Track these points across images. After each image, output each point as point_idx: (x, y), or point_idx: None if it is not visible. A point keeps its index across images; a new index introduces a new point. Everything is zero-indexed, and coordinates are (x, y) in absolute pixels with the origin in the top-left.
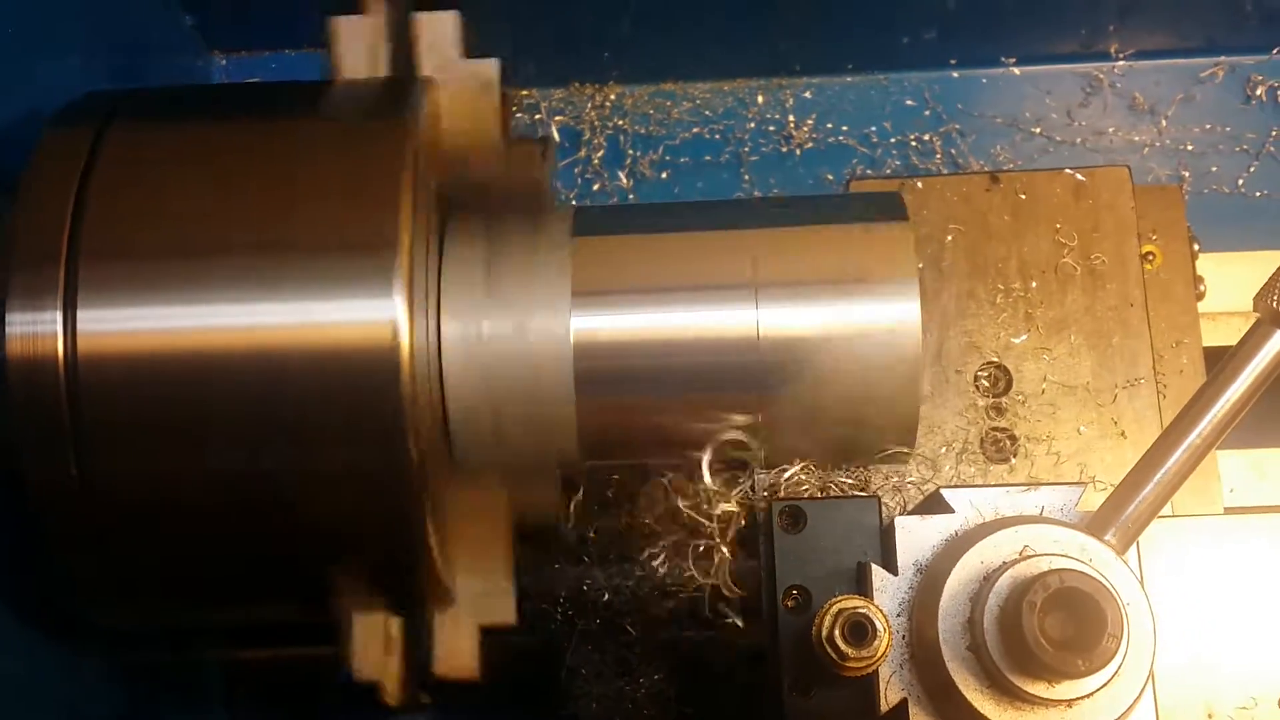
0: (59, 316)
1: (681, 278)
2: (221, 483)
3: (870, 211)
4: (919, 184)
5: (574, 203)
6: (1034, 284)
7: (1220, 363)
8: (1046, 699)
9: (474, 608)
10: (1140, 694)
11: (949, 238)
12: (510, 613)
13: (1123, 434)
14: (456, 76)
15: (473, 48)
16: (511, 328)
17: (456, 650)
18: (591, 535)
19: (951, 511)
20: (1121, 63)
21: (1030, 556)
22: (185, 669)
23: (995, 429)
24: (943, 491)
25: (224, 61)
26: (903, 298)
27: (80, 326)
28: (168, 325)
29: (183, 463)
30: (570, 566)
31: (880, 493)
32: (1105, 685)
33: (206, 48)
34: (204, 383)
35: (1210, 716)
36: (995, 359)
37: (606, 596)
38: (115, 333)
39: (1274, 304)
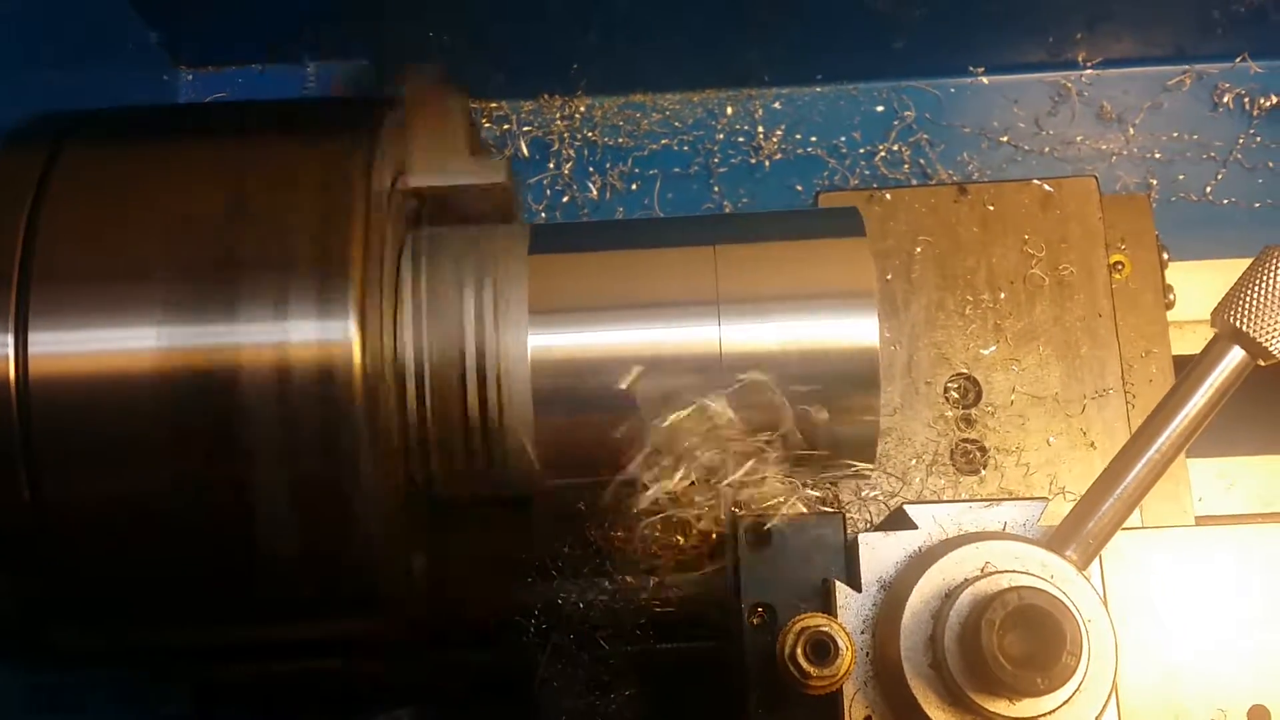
0: (10, 340)
1: (642, 295)
2: (176, 505)
3: (829, 227)
4: (888, 195)
5: (542, 215)
6: (1003, 295)
7: (1179, 378)
8: (1008, 716)
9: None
10: (1103, 710)
11: (918, 249)
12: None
13: (1092, 444)
14: (422, 96)
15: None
16: (470, 346)
17: None
18: (565, 550)
19: (915, 527)
20: (1089, 71)
21: (991, 573)
22: (149, 687)
23: (965, 440)
24: (906, 507)
25: (190, 77)
26: (861, 314)
27: (32, 349)
28: (120, 347)
29: (136, 485)
30: (542, 580)
31: (848, 506)
32: (1066, 702)
33: (172, 63)
34: (157, 405)
35: None
36: (965, 370)
37: (580, 608)
38: (67, 355)
39: (1230, 319)
